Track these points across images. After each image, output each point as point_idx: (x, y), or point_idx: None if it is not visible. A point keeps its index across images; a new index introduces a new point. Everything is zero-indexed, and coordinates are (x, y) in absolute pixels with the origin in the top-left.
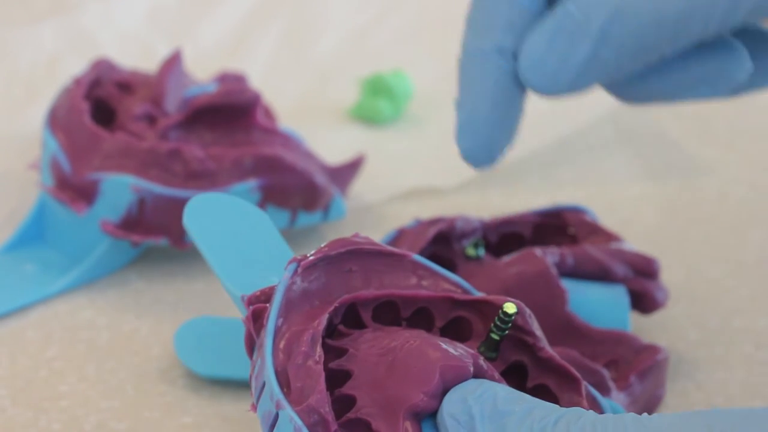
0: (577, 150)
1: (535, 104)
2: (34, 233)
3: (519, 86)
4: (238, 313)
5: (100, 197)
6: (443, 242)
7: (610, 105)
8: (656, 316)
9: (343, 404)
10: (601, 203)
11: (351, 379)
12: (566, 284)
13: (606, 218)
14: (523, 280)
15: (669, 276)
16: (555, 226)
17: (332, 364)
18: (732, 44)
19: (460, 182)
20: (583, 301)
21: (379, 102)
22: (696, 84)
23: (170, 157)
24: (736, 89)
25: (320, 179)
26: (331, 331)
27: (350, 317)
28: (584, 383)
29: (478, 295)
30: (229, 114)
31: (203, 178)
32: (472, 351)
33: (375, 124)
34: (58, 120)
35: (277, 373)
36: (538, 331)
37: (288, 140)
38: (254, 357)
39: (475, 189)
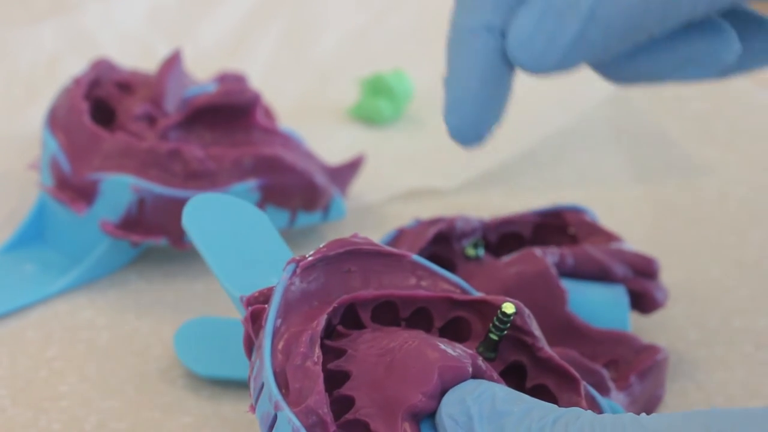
0: (577, 150)
1: (530, 99)
2: (34, 233)
3: (507, 64)
4: (238, 314)
5: (100, 197)
6: (443, 242)
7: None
8: (656, 316)
9: (341, 405)
10: (601, 203)
11: (350, 379)
12: (566, 284)
13: (606, 218)
14: (523, 280)
15: (669, 276)
16: (555, 226)
17: (331, 365)
18: (720, 25)
19: (460, 182)
20: (583, 301)
21: (379, 102)
22: (684, 64)
23: (170, 157)
24: (725, 71)
25: (320, 179)
26: (329, 332)
27: (349, 318)
28: (583, 383)
29: (477, 295)
30: (229, 114)
31: (203, 178)
32: (470, 351)
33: (375, 124)
34: (57, 120)
35: (275, 374)
36: (537, 331)
37: (288, 140)
38: (253, 358)
39: (475, 189)
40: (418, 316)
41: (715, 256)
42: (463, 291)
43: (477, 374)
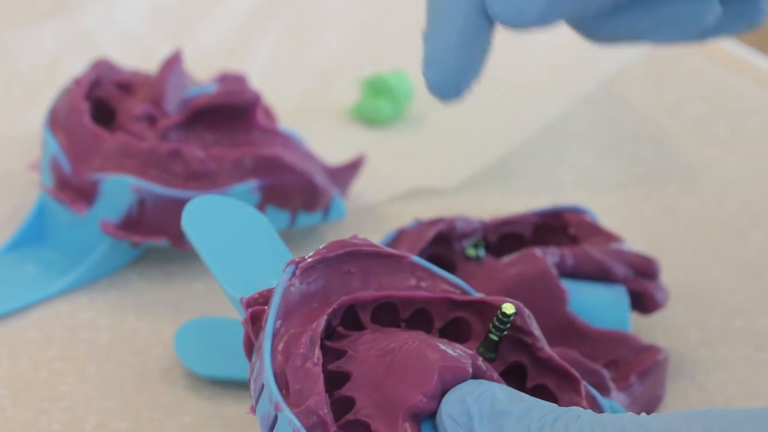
0: (577, 150)
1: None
2: (34, 234)
3: (487, 19)
4: (238, 314)
5: (101, 198)
6: (443, 243)
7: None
8: (656, 317)
9: (342, 406)
10: (601, 203)
11: (350, 380)
12: (566, 285)
13: (606, 218)
14: (523, 280)
15: (669, 276)
16: (555, 226)
17: (331, 366)
18: None
19: (460, 181)
20: (584, 302)
21: (379, 102)
22: (663, 25)
23: (170, 158)
24: (704, 33)
25: (320, 180)
26: (329, 333)
27: (349, 319)
28: (583, 383)
29: (477, 295)
30: (230, 114)
31: (203, 179)
32: (470, 352)
33: (375, 124)
34: (58, 120)
35: (275, 375)
36: (537, 332)
37: (288, 141)
38: (253, 359)
39: (475, 189)
40: (418, 316)
41: (716, 256)
42: (463, 292)
43: (477, 374)
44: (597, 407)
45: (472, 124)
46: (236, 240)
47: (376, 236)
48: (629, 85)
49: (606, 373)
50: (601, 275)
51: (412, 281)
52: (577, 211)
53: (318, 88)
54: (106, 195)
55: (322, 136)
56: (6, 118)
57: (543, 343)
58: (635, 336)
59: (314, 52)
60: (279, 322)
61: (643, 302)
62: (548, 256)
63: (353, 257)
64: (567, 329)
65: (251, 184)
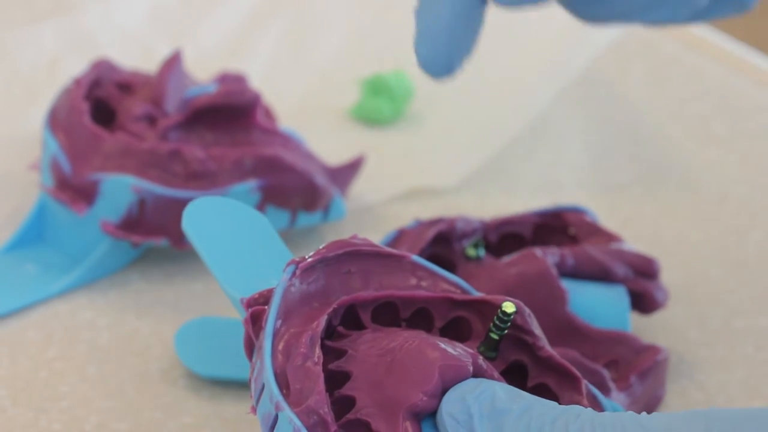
0: (577, 150)
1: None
2: (34, 234)
3: None
4: (238, 314)
5: (101, 198)
6: (443, 243)
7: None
8: (656, 317)
9: (342, 405)
10: (601, 203)
11: (350, 380)
12: (566, 285)
13: (606, 218)
14: (523, 280)
15: (669, 276)
16: (555, 226)
17: (332, 366)
18: None
19: (460, 182)
20: (584, 302)
21: (379, 102)
22: (656, 4)
23: (170, 158)
24: (696, 15)
25: (320, 180)
26: (330, 333)
27: (350, 319)
28: (584, 382)
29: (477, 295)
30: (230, 114)
31: (203, 179)
32: (471, 350)
33: (375, 124)
34: (58, 120)
35: (276, 375)
36: (538, 330)
37: (288, 141)
38: (254, 359)
39: (475, 189)
40: (419, 316)
41: (716, 256)
42: (464, 291)
43: (477, 373)
44: (598, 406)
45: (470, 121)
46: (236, 241)
47: (376, 236)
48: (629, 85)
49: (606, 373)
50: (601, 275)
51: (413, 281)
52: (577, 211)
53: (318, 88)
54: (106, 195)
55: (322, 136)
56: (6, 118)
57: (543, 342)
58: (635, 336)
59: (314, 52)
60: (279, 322)
61: (643, 302)
62: (548, 256)
63: (353, 257)
64: (567, 329)
65: (251, 184)
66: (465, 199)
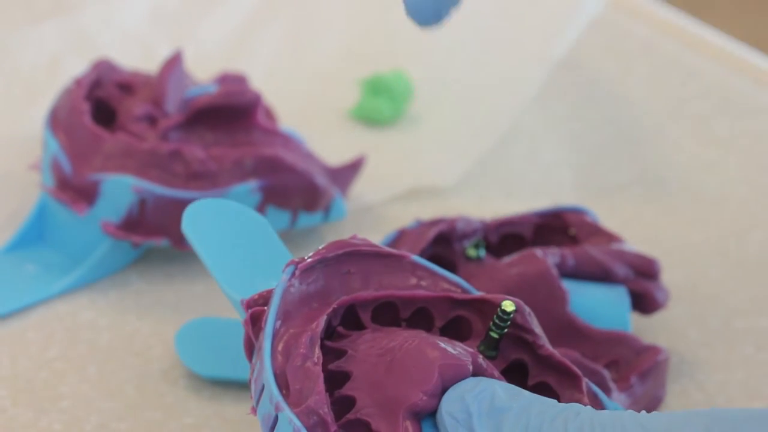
0: (577, 150)
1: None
2: (35, 234)
3: None
4: (238, 315)
5: (101, 198)
6: (444, 243)
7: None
8: (657, 317)
9: (343, 405)
10: (601, 204)
11: (350, 380)
12: (567, 285)
13: (606, 219)
14: (523, 280)
15: (669, 277)
16: (556, 226)
17: (331, 366)
18: None
19: (460, 182)
20: (584, 302)
21: (379, 102)
22: None
23: (171, 158)
24: None
25: (321, 180)
26: (330, 333)
27: (350, 319)
28: (585, 380)
29: (477, 294)
30: (230, 115)
31: (204, 179)
32: (471, 349)
33: (375, 124)
34: (59, 121)
35: (276, 376)
36: (538, 329)
37: (288, 141)
38: (253, 360)
39: (476, 190)
40: (419, 316)
41: (716, 256)
42: (464, 290)
43: (477, 372)
44: (599, 404)
45: (470, 119)
46: (236, 242)
47: (377, 236)
48: (629, 85)
49: (606, 374)
50: (601, 276)
51: (413, 280)
52: (577, 212)
53: (318, 88)
54: (106, 195)
55: (323, 136)
56: (6, 118)
57: (544, 340)
58: (636, 336)
59: (314, 52)
60: (279, 323)
61: (644, 302)
62: (549, 256)
63: (353, 257)
64: (567, 330)
65: (252, 185)
66: (465, 199)
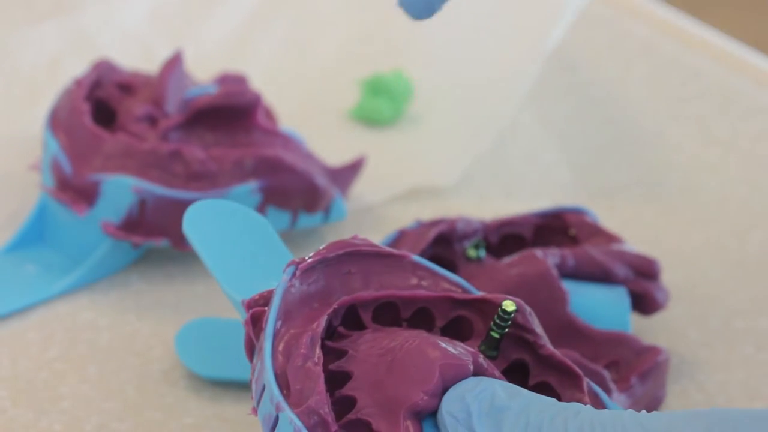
0: (577, 150)
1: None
2: (35, 234)
3: None
4: (239, 315)
5: (101, 198)
6: (444, 243)
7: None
8: (657, 318)
9: (343, 405)
10: (601, 204)
11: (351, 380)
12: (567, 285)
13: (606, 219)
14: (524, 281)
15: (669, 277)
16: (556, 227)
17: (332, 366)
18: None
19: (459, 180)
20: (584, 303)
21: (379, 102)
22: None
23: (171, 158)
24: None
25: (321, 180)
26: (330, 333)
27: (350, 319)
28: (586, 380)
29: (478, 294)
30: (230, 115)
31: (204, 179)
32: (471, 349)
33: (375, 125)
34: (59, 121)
35: (276, 376)
36: (539, 329)
37: (289, 141)
38: (254, 360)
39: (476, 190)
40: (420, 316)
41: (716, 256)
42: (464, 290)
43: (478, 372)
44: (599, 404)
45: (469, 119)
46: (237, 242)
47: (377, 237)
48: (629, 85)
49: (607, 374)
50: (601, 276)
51: (413, 281)
52: (577, 212)
53: (318, 88)
54: (106, 195)
55: (323, 136)
56: (6, 118)
57: (545, 340)
58: (636, 337)
59: (314, 52)
60: (279, 323)
61: (644, 303)
62: (549, 256)
63: (353, 257)
64: (568, 330)
65: (252, 185)
66: (465, 199)
